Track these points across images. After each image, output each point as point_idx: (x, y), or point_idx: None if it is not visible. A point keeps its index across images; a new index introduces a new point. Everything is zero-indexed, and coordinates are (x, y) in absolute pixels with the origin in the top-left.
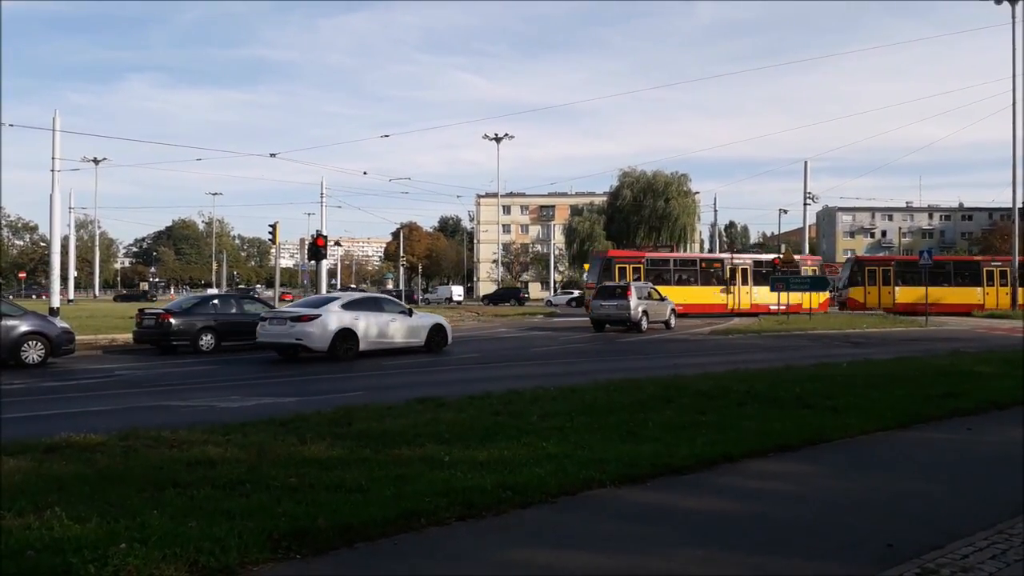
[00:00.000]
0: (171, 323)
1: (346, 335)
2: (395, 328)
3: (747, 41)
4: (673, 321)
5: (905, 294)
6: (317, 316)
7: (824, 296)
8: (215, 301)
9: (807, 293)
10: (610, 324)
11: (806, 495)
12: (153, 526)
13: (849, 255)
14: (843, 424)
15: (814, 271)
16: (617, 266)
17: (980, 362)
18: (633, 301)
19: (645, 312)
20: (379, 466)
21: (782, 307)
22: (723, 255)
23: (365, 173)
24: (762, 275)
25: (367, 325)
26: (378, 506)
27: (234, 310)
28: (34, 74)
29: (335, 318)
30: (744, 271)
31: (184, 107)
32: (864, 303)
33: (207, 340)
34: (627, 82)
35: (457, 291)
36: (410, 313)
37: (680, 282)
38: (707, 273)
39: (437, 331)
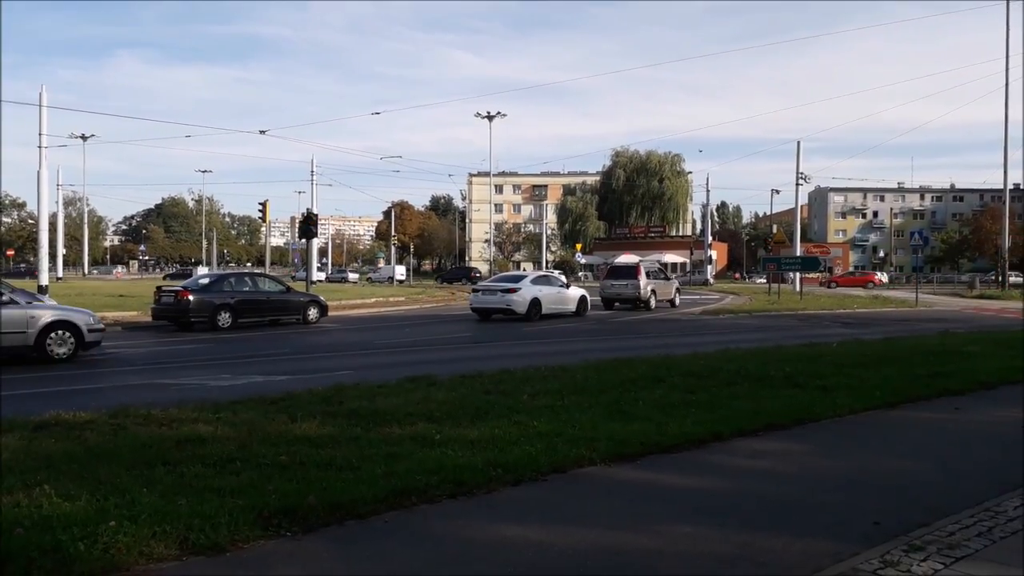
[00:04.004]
0: (189, 300)
1: (535, 303)
2: (560, 297)
3: (741, 21)
4: (677, 300)
5: None
6: (519, 289)
7: None
8: (231, 279)
9: None
10: (620, 303)
11: (794, 473)
12: (143, 503)
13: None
14: (832, 403)
15: None
16: None
17: (968, 342)
18: (643, 281)
19: (653, 291)
20: (370, 444)
21: None
22: None
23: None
24: None
25: (546, 295)
26: (369, 484)
27: (249, 288)
28: (21, 49)
29: (529, 291)
30: None
31: (174, 84)
32: None
33: (224, 317)
34: (621, 61)
35: (399, 270)
36: (567, 287)
37: None
38: None
39: (582, 300)
